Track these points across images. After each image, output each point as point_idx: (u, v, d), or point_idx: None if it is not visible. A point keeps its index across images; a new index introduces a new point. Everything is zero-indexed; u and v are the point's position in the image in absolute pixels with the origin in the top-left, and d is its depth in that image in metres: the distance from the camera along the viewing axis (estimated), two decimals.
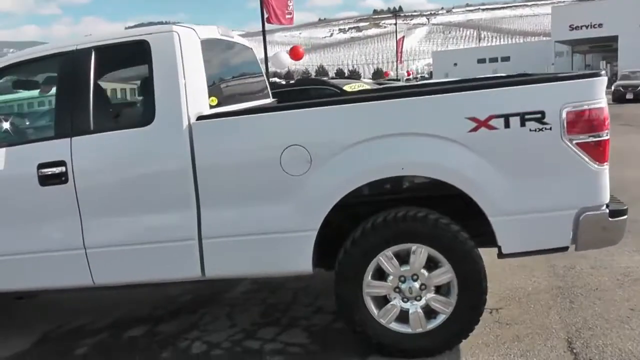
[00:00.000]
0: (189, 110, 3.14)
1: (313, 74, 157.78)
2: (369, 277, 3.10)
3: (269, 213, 3.13)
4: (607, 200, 3.03)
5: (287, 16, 16.84)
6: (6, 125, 3.56)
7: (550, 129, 2.90)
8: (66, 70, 3.38)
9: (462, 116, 2.92)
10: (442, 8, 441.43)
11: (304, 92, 9.01)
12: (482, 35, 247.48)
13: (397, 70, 47.19)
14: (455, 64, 66.01)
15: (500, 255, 3.08)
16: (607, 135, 2.96)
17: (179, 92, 3.15)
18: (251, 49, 4.51)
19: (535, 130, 2.90)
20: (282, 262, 3.18)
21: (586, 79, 2.95)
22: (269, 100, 4.63)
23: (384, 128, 3.01)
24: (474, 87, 3.03)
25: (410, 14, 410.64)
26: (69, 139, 3.28)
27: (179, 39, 3.23)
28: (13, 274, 3.45)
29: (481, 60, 68.44)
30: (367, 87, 10.91)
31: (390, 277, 3.11)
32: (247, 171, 3.14)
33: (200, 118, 3.14)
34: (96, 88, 3.33)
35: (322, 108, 3.12)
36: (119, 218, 3.29)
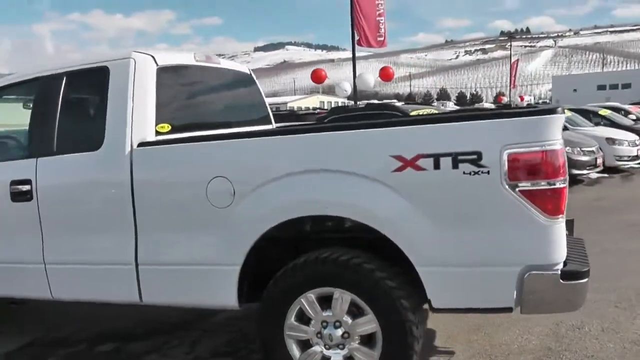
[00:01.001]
0: (132, 137, 3.19)
1: (435, 96, 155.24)
2: (292, 319, 2.91)
3: (197, 244, 3.07)
4: (561, 259, 2.58)
5: (379, 39, 16.77)
6: None
7: (488, 172, 2.54)
8: (38, 94, 3.61)
9: (387, 154, 2.66)
10: (570, 30, 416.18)
11: (372, 116, 8.88)
12: (608, 60, 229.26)
13: (510, 94, 44.85)
14: (575, 90, 61.67)
15: (432, 309, 2.74)
16: (562, 184, 2.54)
17: (126, 118, 3.21)
18: (248, 74, 4.50)
19: (470, 174, 2.55)
20: (209, 294, 3.10)
21: (534, 117, 2.55)
22: (269, 127, 4.58)
23: (306, 163, 2.83)
24: (401, 123, 2.75)
25: (536, 35, 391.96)
26: (36, 159, 3.47)
27: (134, 66, 3.30)
28: None
29: (601, 87, 63.77)
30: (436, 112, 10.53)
31: (313, 322, 2.89)
32: (177, 200, 3.11)
33: (141, 145, 3.17)
34: (62, 112, 3.49)
35: (245, 140, 3.01)
36: (70, 237, 3.40)
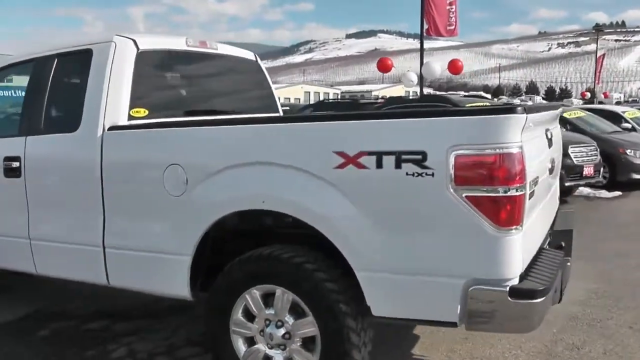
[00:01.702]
0: (105, 120, 3.21)
1: (523, 89, 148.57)
2: (238, 315, 2.83)
3: (154, 232, 3.06)
4: (513, 275, 2.32)
5: (449, 27, 16.21)
6: None
7: (432, 175, 2.32)
8: (32, 75, 3.72)
9: (330, 150, 2.49)
10: None
11: (424, 108, 8.64)
12: None
13: (594, 91, 41.84)
14: None
15: (372, 317, 2.56)
16: (518, 191, 2.27)
17: (100, 101, 3.24)
18: (253, 61, 4.42)
19: (414, 175, 2.34)
20: (164, 283, 3.08)
21: (487, 116, 2.29)
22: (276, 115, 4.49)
23: (249, 155, 2.72)
24: (345, 117, 2.57)
25: (632, 29, 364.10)
26: (25, 137, 3.59)
27: (114, 49, 3.31)
28: None
29: None
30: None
31: (257, 319, 2.80)
32: (139, 186, 3.11)
33: (111, 128, 3.19)
34: (50, 92, 3.58)
35: (197, 128, 2.95)
36: (50, 215, 3.50)
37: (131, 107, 3.29)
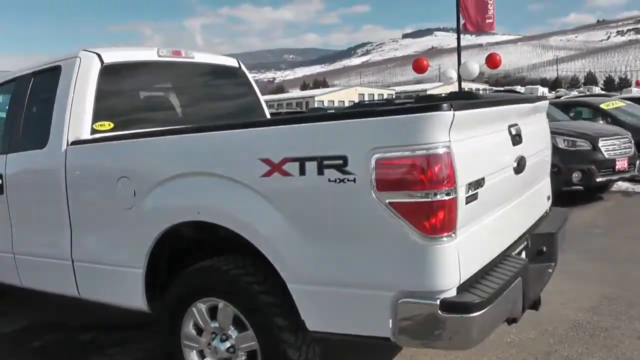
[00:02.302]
0: (68, 135, 3.24)
1: (582, 80, 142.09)
2: (189, 328, 2.78)
3: (111, 245, 3.06)
4: (446, 287, 2.14)
5: (487, 21, 15.70)
6: None
7: (354, 180, 2.18)
8: (12, 94, 3.83)
9: (256, 157, 2.40)
10: None
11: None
12: None
13: None
14: None
15: (308, 332, 2.43)
16: (447, 196, 2.10)
17: (64, 117, 3.27)
18: (235, 67, 4.37)
19: (336, 181, 2.21)
20: (124, 295, 3.07)
21: (408, 115, 2.12)
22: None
23: (184, 166, 2.68)
24: (270, 122, 2.46)
25: None
26: (6, 155, 3.69)
27: (79, 65, 3.35)
28: None
29: None
30: None
31: (204, 332, 2.74)
32: (97, 200, 3.12)
33: (72, 143, 3.22)
34: (26, 110, 3.67)
35: (137, 140, 2.93)
36: (28, 231, 3.58)
37: (94, 120, 3.31)
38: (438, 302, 2.11)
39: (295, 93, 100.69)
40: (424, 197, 2.09)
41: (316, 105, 55.98)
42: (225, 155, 2.55)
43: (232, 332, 2.63)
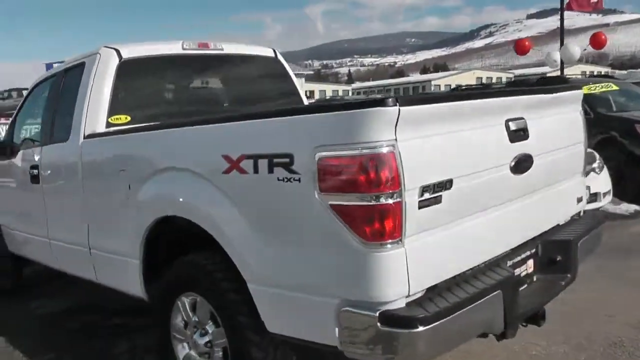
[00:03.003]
0: (85, 128, 3.41)
1: None
2: (177, 320, 2.82)
3: (116, 235, 3.18)
4: (389, 298, 1.98)
5: (592, 0, 14.40)
6: (25, 131, 4.53)
7: (299, 180, 2.07)
8: (49, 89, 4.11)
9: (219, 153, 2.36)
10: None
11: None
12: None
13: None
14: None
15: (269, 333, 2.36)
16: (390, 200, 1.93)
17: (82, 111, 3.45)
18: (270, 57, 4.30)
19: (283, 180, 2.12)
20: (127, 283, 3.18)
21: (350, 112, 1.97)
22: None
23: (165, 161, 2.74)
24: (232, 118, 2.41)
25: None
26: (41, 147, 3.97)
27: (99, 60, 3.50)
28: (20, 246, 4.48)
29: None
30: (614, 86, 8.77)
31: (188, 325, 2.78)
32: (104, 192, 3.26)
33: (87, 137, 3.38)
34: (58, 104, 3.90)
35: (131, 135, 3.02)
36: (58, 218, 3.84)
37: (110, 114, 3.44)
38: (377, 314, 1.96)
39: (414, 77, 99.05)
40: (364, 201, 1.93)
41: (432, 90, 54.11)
42: (195, 151, 2.56)
43: (210, 327, 2.63)
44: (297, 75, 4.91)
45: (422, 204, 2.02)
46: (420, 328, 1.94)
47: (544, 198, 2.79)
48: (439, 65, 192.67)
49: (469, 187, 2.23)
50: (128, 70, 3.54)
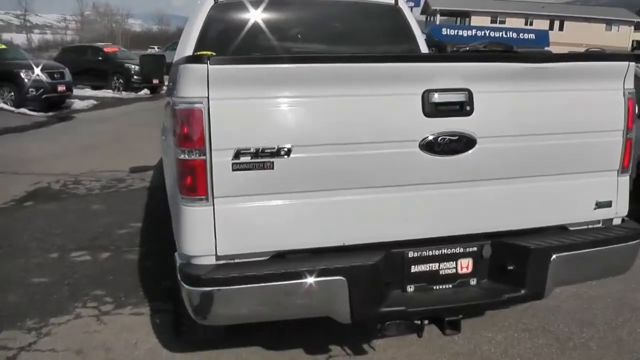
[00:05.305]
0: None
1: None
2: None
3: None
4: (194, 253, 2.06)
5: None
6: None
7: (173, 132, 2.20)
8: None
9: None
10: None
11: None
12: None
13: None
14: None
15: None
16: (194, 156, 1.97)
17: (177, 51, 3.97)
18: (390, 5, 4.12)
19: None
20: None
21: (179, 66, 2.01)
22: None
23: None
24: None
25: None
26: None
27: (199, 3, 3.96)
28: None
29: None
30: None
31: None
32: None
33: None
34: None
35: None
36: None
37: (195, 51, 3.88)
38: (178, 265, 2.05)
39: None
40: (180, 155, 2.00)
41: None
42: None
43: None
44: None
45: (238, 167, 1.96)
46: (205, 288, 1.97)
47: (506, 190, 2.25)
48: None
49: (328, 159, 2.02)
50: (220, 12, 3.81)
